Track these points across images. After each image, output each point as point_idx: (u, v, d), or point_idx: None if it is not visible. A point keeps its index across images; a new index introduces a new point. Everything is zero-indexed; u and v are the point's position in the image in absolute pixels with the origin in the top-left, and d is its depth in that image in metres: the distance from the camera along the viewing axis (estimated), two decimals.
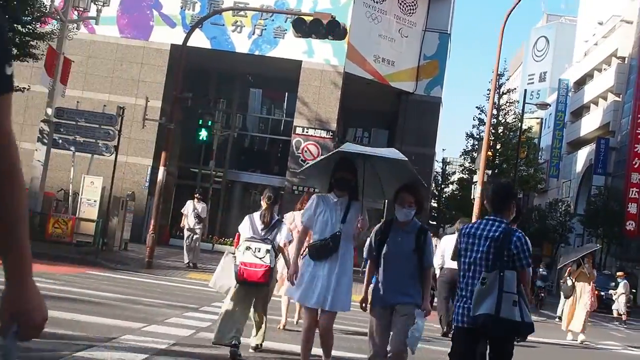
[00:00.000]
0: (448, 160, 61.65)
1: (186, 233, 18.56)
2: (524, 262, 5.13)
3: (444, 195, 56.80)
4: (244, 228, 7.58)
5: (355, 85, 28.12)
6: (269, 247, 7.19)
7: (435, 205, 56.24)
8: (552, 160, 64.23)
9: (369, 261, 6.17)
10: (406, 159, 6.12)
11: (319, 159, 6.52)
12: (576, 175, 59.89)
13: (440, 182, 58.86)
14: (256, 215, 7.59)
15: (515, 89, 41.40)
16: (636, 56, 50.21)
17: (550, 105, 34.71)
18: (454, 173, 53.50)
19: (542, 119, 71.86)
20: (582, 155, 59.11)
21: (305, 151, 25.60)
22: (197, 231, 18.56)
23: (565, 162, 63.96)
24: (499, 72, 37.33)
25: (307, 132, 25.76)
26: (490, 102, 20.52)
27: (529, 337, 13.36)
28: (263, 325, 7.64)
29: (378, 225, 6.20)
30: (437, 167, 60.62)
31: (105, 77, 26.17)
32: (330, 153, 6.16)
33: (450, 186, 56.33)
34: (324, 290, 5.99)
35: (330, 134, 25.64)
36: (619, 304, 24.91)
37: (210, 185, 28.98)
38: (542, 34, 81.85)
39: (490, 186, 5.91)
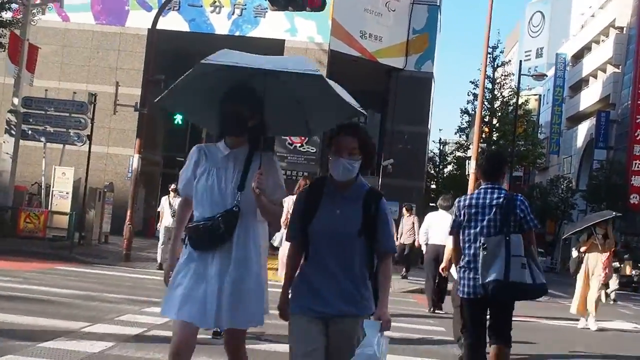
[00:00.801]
0: (445, 141, 60.47)
1: (162, 233, 15.73)
2: (531, 224, 5.14)
3: (442, 176, 55.78)
4: None
5: (343, 64, 27.02)
6: None
7: (434, 186, 55.26)
8: (552, 136, 63.23)
9: (289, 245, 3.83)
10: (321, 73, 3.67)
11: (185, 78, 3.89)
12: (577, 151, 58.97)
13: (438, 163, 57.84)
14: None
15: (510, 61, 40.20)
16: (635, 25, 49.05)
17: (546, 76, 33.59)
18: (451, 153, 52.34)
19: (540, 95, 70.81)
20: (583, 130, 58.19)
21: None
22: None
23: (565, 138, 63.05)
24: (493, 45, 36.55)
25: None
26: (482, 71, 19.46)
27: (534, 319, 12.55)
28: None
29: (303, 188, 4.27)
30: (434, 147, 59.67)
31: (82, 66, 25.17)
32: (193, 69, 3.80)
33: (449, 167, 55.24)
34: (214, 299, 3.73)
35: None
36: None
37: None
38: (538, 9, 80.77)
39: (483, 156, 6.10)
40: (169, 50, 26.88)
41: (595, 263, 12.10)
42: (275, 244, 11.21)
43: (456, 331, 7.59)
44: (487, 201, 5.14)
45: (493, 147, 34.72)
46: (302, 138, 24.42)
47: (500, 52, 36.19)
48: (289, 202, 9.91)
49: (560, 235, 58.24)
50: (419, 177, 28.50)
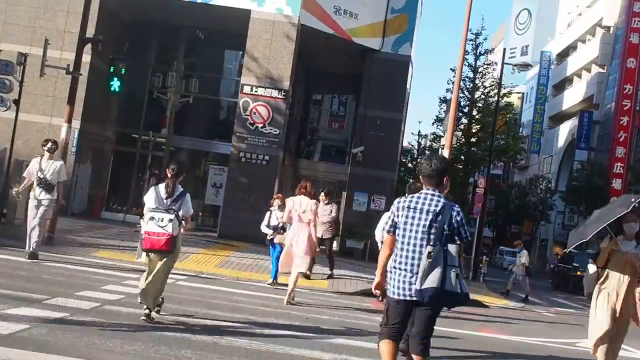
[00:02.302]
0: (426, 135, 58.66)
1: (30, 209, 11.85)
2: (463, 236, 5.26)
3: (418, 169, 53.98)
4: (149, 199, 7.81)
5: (315, 42, 25.01)
6: (172, 216, 7.55)
7: (412, 180, 53.49)
8: (533, 135, 62.10)
9: None
10: None
11: None
12: (558, 151, 57.96)
13: (416, 156, 56.11)
14: (161, 186, 7.84)
15: (493, 49, 38.20)
16: (622, 25, 47.59)
17: (531, 66, 31.81)
18: (429, 147, 50.47)
19: (523, 93, 69.53)
20: (564, 130, 57.19)
21: (254, 113, 22.42)
22: (42, 205, 11.74)
23: (546, 137, 62.15)
24: (476, 32, 34.63)
25: (256, 91, 22.52)
26: (461, 52, 17.52)
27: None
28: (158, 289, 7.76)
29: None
30: (412, 139, 57.84)
31: (27, 27, 22.84)
32: None
33: None
34: None
35: (283, 93, 22.47)
36: (521, 279, 22.18)
37: (150, 151, 25.86)
38: (525, 7, 79.37)
39: (425, 161, 5.52)
40: (127, 17, 24.74)
41: (619, 282, 7.50)
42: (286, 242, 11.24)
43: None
44: (426, 207, 5.23)
45: (472, 140, 32.99)
46: (265, 118, 22.40)
47: (484, 40, 34.21)
48: (295, 204, 10.96)
49: (537, 236, 57.24)
50: (391, 167, 26.55)
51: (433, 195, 5.28)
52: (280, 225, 12.48)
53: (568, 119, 57.09)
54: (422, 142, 56.25)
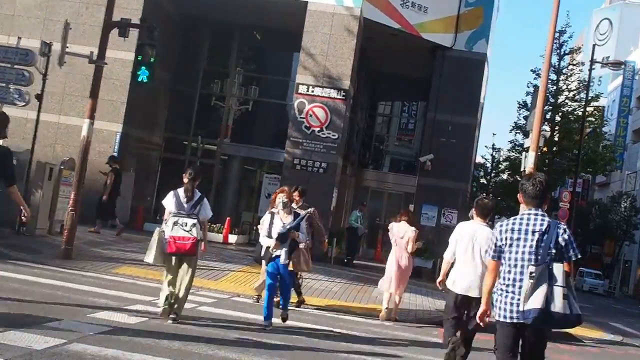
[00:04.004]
0: (498, 147, 55.35)
1: None
2: (571, 254, 5.13)
3: (492, 184, 50.86)
4: (169, 203, 8.09)
5: (380, 39, 22.70)
6: (195, 221, 7.92)
7: (482, 195, 50.40)
8: (616, 150, 58.30)
9: None
10: None
11: None
12: None
13: (490, 171, 53.06)
14: (181, 190, 8.12)
15: (579, 48, 34.89)
16: None
17: (624, 64, 28.70)
18: (505, 160, 47.21)
19: (604, 107, 66.01)
20: None
21: (310, 115, 20.12)
22: None
23: (630, 152, 58.88)
24: (560, 29, 31.60)
25: (312, 91, 20.22)
26: (549, 41, 14.84)
27: None
28: (185, 294, 8.06)
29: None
30: (486, 153, 54.88)
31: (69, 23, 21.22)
32: None
33: (502, 175, 50.19)
34: None
35: (342, 93, 20.12)
36: None
37: (199, 159, 23.87)
38: (605, 17, 75.84)
39: (528, 180, 5.32)
40: (176, 15, 23.03)
41: None
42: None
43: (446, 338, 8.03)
44: (531, 227, 5.14)
45: (555, 149, 29.87)
46: (322, 121, 20.12)
47: (569, 38, 31.01)
48: (395, 228, 11.60)
49: (621, 257, 53.43)
50: (464, 178, 23.88)
51: (537, 215, 5.19)
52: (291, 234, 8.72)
53: None
54: (496, 156, 53.09)
